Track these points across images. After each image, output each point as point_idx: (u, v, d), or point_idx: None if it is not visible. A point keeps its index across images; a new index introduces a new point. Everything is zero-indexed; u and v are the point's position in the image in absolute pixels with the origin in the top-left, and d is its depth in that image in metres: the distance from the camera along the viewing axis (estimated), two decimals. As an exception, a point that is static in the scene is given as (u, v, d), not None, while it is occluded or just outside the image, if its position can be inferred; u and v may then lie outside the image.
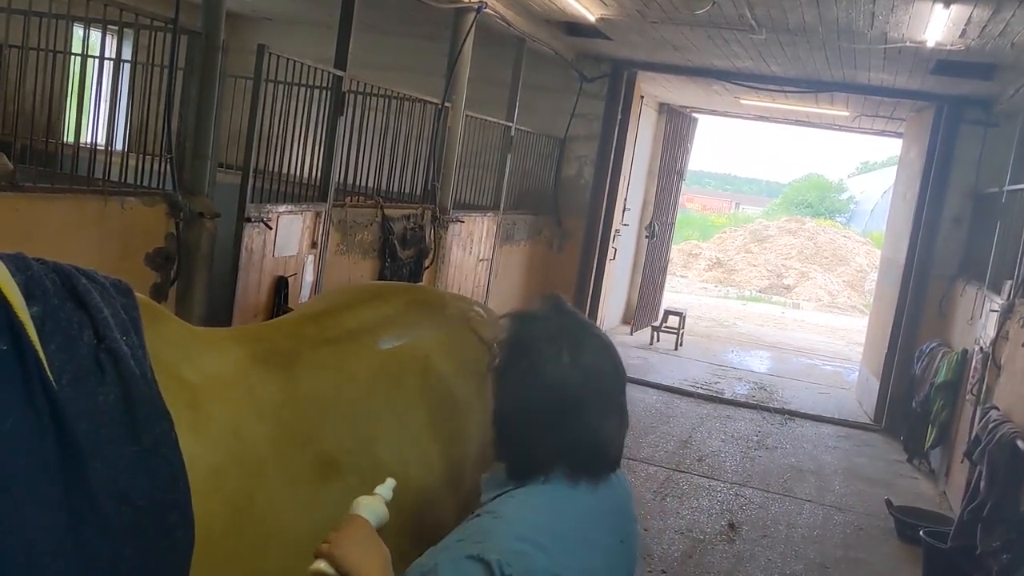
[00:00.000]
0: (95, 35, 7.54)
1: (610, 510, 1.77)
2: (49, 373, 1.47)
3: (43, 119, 4.65)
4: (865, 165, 42.10)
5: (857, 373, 11.32)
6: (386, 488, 1.85)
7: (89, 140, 4.60)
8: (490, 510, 1.70)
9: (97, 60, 5.04)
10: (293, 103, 5.38)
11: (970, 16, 5.73)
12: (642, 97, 10.86)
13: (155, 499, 1.59)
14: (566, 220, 10.11)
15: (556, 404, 1.68)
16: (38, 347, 1.47)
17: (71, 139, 6.47)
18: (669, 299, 14.27)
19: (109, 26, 4.57)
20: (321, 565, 1.65)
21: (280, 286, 5.20)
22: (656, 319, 12.59)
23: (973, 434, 5.74)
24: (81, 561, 1.47)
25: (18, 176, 3.88)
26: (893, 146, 12.42)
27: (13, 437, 1.38)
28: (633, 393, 9.16)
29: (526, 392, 1.70)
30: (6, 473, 1.37)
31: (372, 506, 1.78)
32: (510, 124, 8.59)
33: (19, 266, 1.53)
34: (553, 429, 1.68)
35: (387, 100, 6.57)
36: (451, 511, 2.10)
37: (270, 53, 4.88)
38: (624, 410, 1.78)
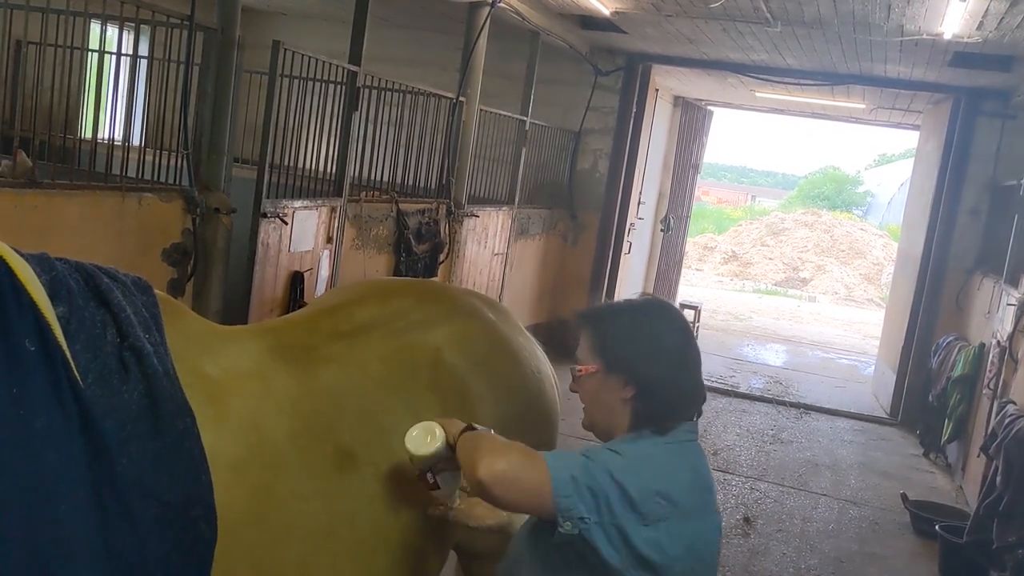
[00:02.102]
0: (112, 31, 7.59)
1: (701, 463, 2.06)
2: (76, 372, 1.50)
3: (61, 115, 4.69)
4: (882, 157, 41.83)
5: (873, 367, 11.28)
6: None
7: (107, 136, 4.64)
8: (608, 447, 1.96)
9: (114, 56, 5.08)
10: (308, 98, 5.40)
11: (987, 8, 5.68)
12: (657, 90, 10.83)
13: (179, 493, 1.63)
14: (581, 214, 10.11)
15: (682, 351, 2.04)
16: (64, 347, 1.49)
17: (89, 135, 6.52)
18: (685, 292, 14.24)
19: (126, 23, 4.60)
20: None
21: (296, 281, 5.23)
22: (671, 313, 12.56)
23: (989, 429, 5.72)
24: (110, 554, 1.50)
25: (37, 173, 3.93)
26: (910, 138, 12.37)
27: (45, 436, 1.42)
28: (648, 387, 9.15)
29: (664, 351, 2.02)
30: (40, 471, 1.40)
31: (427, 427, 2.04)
32: (525, 118, 8.59)
33: (43, 267, 1.56)
34: (689, 370, 2.05)
35: (401, 95, 6.58)
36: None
37: (285, 49, 4.91)
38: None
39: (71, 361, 1.49)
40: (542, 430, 2.54)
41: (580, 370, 2.04)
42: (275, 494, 1.87)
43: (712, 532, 2.01)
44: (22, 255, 1.51)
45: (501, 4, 6.96)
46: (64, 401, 1.45)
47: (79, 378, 1.50)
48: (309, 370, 2.10)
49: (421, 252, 6.59)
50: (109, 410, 1.54)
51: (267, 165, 4.92)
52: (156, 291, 1.81)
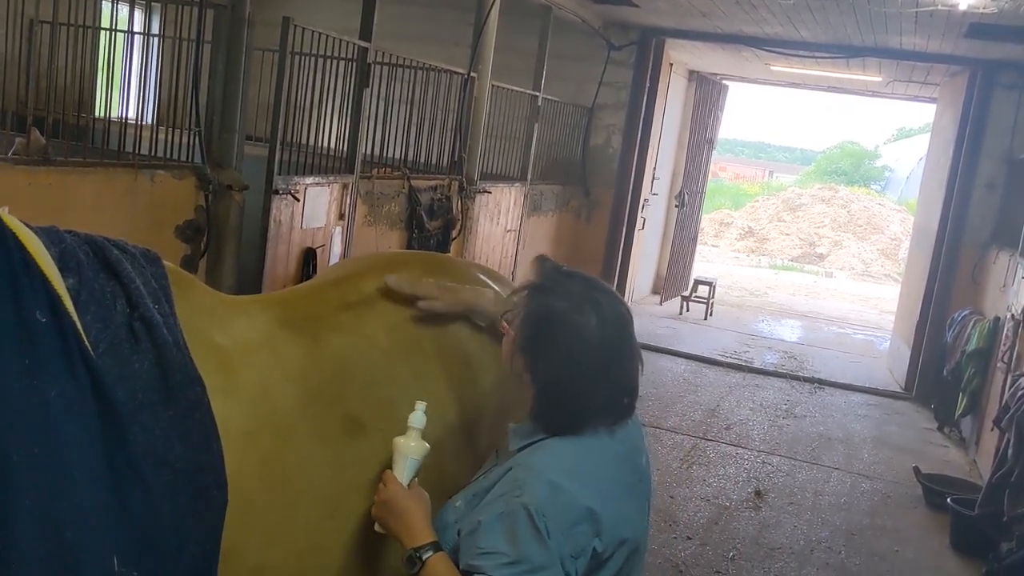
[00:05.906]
0: (124, 9, 7.61)
1: (628, 451, 1.95)
2: (87, 342, 1.53)
3: (74, 94, 4.73)
4: (901, 131, 41.38)
5: (889, 342, 11.25)
6: (417, 416, 2.01)
7: (120, 114, 4.68)
8: (521, 463, 1.86)
9: (126, 35, 5.11)
10: (319, 75, 5.42)
11: (1004, -23, 5.62)
12: (671, 65, 10.77)
13: (191, 461, 1.65)
14: (594, 190, 10.09)
15: (601, 360, 1.85)
16: (75, 318, 1.52)
17: (102, 113, 6.57)
18: (701, 269, 14.21)
19: (137, 1, 4.63)
20: (379, 528, 1.96)
21: (308, 258, 5.27)
22: (686, 289, 12.56)
23: (1003, 402, 5.71)
24: (124, 522, 1.53)
25: (51, 151, 3.97)
26: (929, 112, 12.23)
27: (59, 405, 1.45)
28: (661, 362, 9.18)
29: (572, 358, 1.86)
30: (55, 440, 1.43)
31: (406, 451, 1.98)
32: (537, 93, 8.57)
33: (53, 239, 1.58)
34: (602, 382, 1.86)
35: (413, 71, 6.58)
36: (468, 464, 2.19)
37: (295, 26, 4.92)
38: (638, 348, 1.96)
39: (82, 332, 1.52)
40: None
41: (504, 327, 1.98)
42: (285, 462, 1.91)
43: (637, 515, 1.94)
44: (31, 228, 1.54)
45: (512, -21, 6.94)
46: (76, 371, 1.48)
47: (90, 348, 1.53)
48: (317, 340, 2.13)
49: (433, 229, 6.61)
50: (120, 379, 1.57)
51: (279, 142, 4.95)
52: (165, 262, 1.84)
